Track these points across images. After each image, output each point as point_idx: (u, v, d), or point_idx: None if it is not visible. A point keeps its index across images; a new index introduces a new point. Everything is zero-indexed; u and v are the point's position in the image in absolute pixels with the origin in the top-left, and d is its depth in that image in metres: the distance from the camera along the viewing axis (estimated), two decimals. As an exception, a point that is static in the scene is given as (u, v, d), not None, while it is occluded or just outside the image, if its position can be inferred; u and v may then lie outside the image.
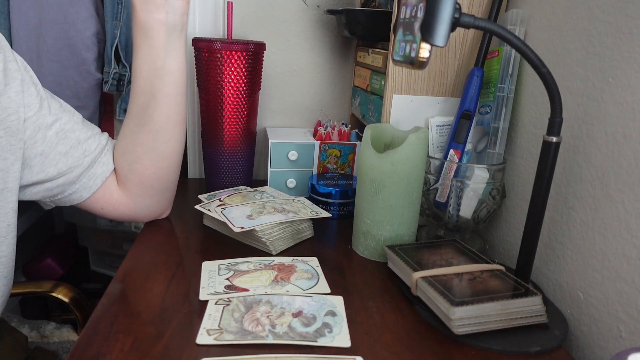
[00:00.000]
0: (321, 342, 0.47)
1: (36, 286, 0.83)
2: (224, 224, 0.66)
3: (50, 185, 0.60)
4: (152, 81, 0.62)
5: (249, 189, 0.81)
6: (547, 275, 0.61)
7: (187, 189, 0.91)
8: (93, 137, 0.64)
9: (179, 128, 0.66)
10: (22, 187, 0.59)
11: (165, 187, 0.70)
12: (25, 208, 0.60)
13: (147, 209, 0.70)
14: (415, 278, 0.54)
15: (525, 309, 0.50)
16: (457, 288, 0.51)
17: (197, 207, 0.72)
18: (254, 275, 0.59)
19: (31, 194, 0.60)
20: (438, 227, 0.74)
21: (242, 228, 0.64)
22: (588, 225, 0.54)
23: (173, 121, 0.65)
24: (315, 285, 0.58)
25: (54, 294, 0.80)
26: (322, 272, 0.61)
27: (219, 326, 0.49)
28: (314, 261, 0.64)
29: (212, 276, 0.59)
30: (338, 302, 0.55)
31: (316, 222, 0.76)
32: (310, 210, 0.72)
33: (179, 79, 0.64)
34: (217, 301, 0.53)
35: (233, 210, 0.70)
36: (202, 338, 0.47)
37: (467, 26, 0.44)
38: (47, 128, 0.58)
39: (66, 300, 0.80)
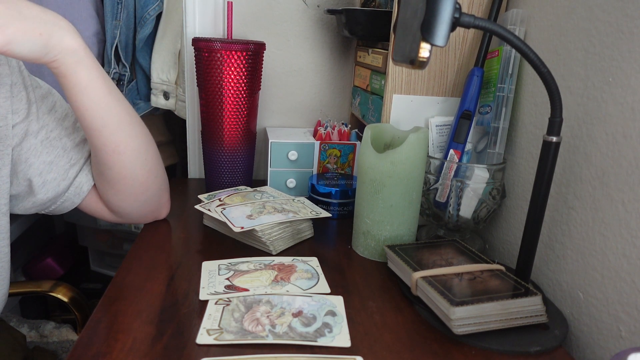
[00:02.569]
0: (321, 342, 0.47)
1: (36, 286, 0.83)
2: (224, 224, 0.66)
3: (40, 200, 0.60)
4: None
5: (249, 189, 0.81)
6: (547, 275, 0.61)
7: (187, 189, 0.91)
8: (81, 143, 0.63)
9: (116, 157, 0.59)
10: (14, 200, 0.59)
11: (144, 201, 0.66)
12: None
13: (136, 217, 0.69)
14: (415, 278, 0.54)
15: (525, 308, 0.50)
16: (457, 288, 0.51)
17: (197, 207, 0.72)
18: (254, 275, 0.59)
19: (25, 209, 0.60)
20: (438, 227, 0.74)
21: (242, 228, 0.64)
22: (588, 225, 0.54)
23: (102, 151, 0.59)
24: (315, 285, 0.58)
25: (53, 294, 0.80)
26: (322, 272, 0.61)
27: (219, 326, 0.49)
28: (314, 261, 0.64)
29: (212, 276, 0.59)
30: (338, 302, 0.55)
31: (316, 222, 0.76)
32: (310, 210, 0.72)
33: (87, 114, 0.56)
34: (217, 301, 0.53)
35: (233, 210, 0.70)
36: (202, 338, 0.47)
37: (467, 26, 0.44)
38: (32, 136, 0.57)
39: (65, 300, 0.80)
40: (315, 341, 0.47)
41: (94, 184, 0.65)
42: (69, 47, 0.50)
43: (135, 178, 0.63)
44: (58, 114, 0.61)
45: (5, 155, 0.55)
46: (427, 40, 0.42)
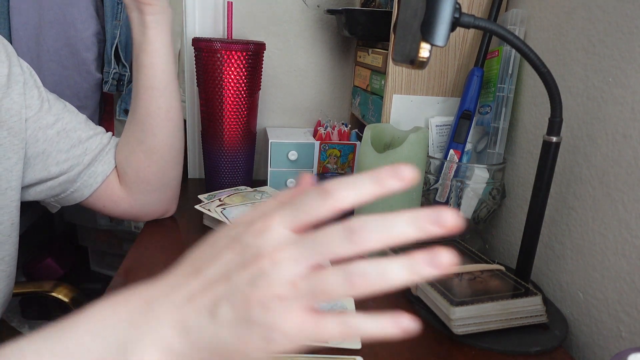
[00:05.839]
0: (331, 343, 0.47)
1: (36, 286, 0.83)
2: (224, 224, 0.66)
3: (52, 184, 0.61)
4: (134, 71, 0.65)
5: (249, 189, 0.81)
6: (547, 275, 0.61)
7: (187, 189, 0.91)
8: (95, 136, 0.65)
9: (166, 123, 0.66)
10: (26, 187, 0.60)
11: (164, 184, 0.69)
12: (26, 208, 0.60)
13: (148, 206, 0.70)
14: (415, 278, 0.54)
15: (525, 309, 0.50)
16: (457, 288, 0.51)
17: (197, 207, 0.72)
18: (254, 275, 0.59)
19: (35, 194, 0.61)
20: (438, 227, 0.74)
21: (242, 228, 0.64)
22: (588, 225, 0.54)
23: (154, 114, 0.64)
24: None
25: (54, 294, 0.80)
26: (322, 272, 0.61)
27: (219, 326, 0.49)
28: (314, 261, 0.64)
29: (212, 276, 0.59)
30: (348, 301, 0.54)
31: (316, 222, 0.76)
32: (310, 210, 0.72)
33: (154, 72, 0.63)
34: (217, 301, 0.53)
35: (233, 210, 0.70)
36: (202, 338, 0.47)
37: (467, 26, 0.44)
38: (47, 127, 0.59)
39: (66, 300, 0.80)
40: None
41: (107, 179, 0.65)
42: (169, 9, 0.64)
43: (173, 147, 0.68)
44: (71, 110, 0.63)
45: (20, 149, 0.57)
46: (427, 40, 0.42)
